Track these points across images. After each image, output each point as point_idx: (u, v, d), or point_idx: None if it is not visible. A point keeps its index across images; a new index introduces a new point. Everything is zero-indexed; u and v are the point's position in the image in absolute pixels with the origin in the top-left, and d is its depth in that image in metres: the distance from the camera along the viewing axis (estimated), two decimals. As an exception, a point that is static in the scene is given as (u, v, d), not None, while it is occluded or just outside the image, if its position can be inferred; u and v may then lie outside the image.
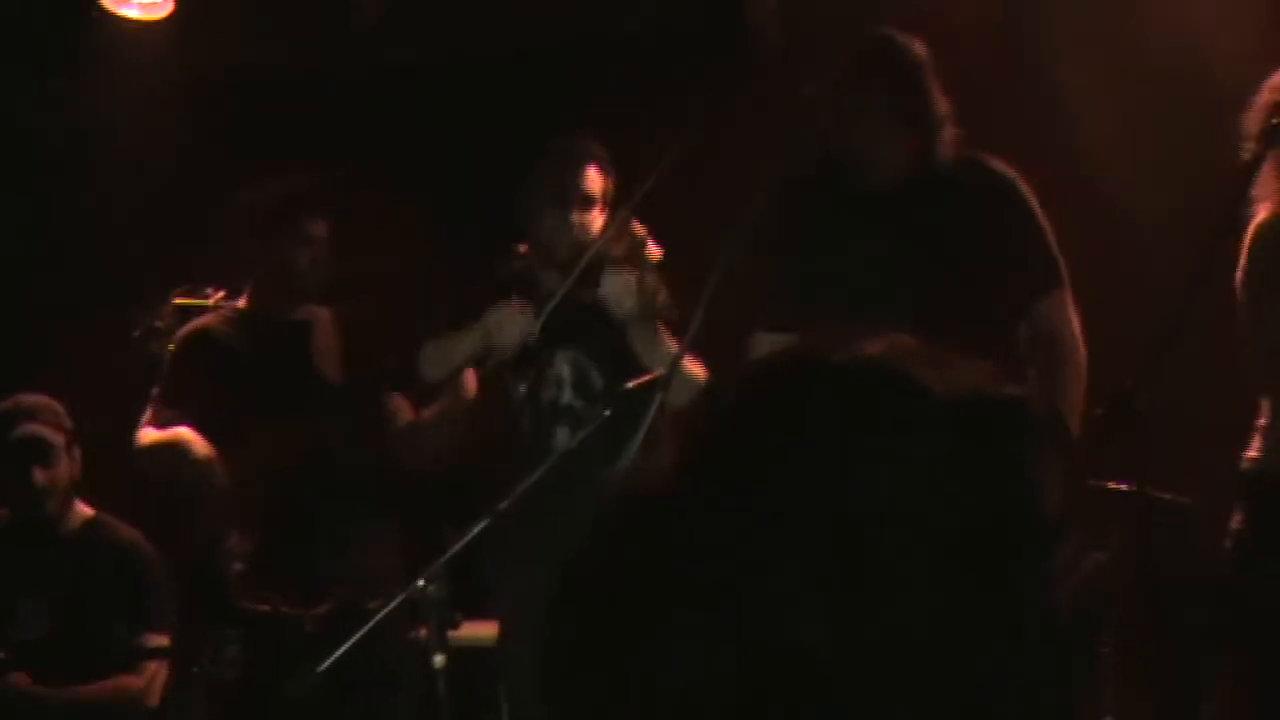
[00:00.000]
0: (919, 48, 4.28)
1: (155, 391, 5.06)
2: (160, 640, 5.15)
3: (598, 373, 4.76)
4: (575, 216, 4.72)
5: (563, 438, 4.67)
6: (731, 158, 5.15)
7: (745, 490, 1.12)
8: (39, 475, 5.11)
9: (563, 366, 4.78)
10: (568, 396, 4.77)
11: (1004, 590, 1.09)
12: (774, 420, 1.16)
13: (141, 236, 6.25)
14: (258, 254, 5.15)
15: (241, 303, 5.22)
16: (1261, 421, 4.07)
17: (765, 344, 4.41)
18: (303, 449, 4.95)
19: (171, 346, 5.13)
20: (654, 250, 4.53)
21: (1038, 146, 4.98)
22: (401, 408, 5.11)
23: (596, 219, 4.74)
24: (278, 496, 4.95)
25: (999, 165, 4.34)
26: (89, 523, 5.27)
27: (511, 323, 4.66)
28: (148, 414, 5.03)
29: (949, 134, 4.27)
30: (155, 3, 5.72)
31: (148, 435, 4.97)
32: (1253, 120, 4.05)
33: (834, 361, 1.16)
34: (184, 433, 4.91)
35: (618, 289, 4.59)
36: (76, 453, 5.24)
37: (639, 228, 4.56)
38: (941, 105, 4.26)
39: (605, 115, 5.69)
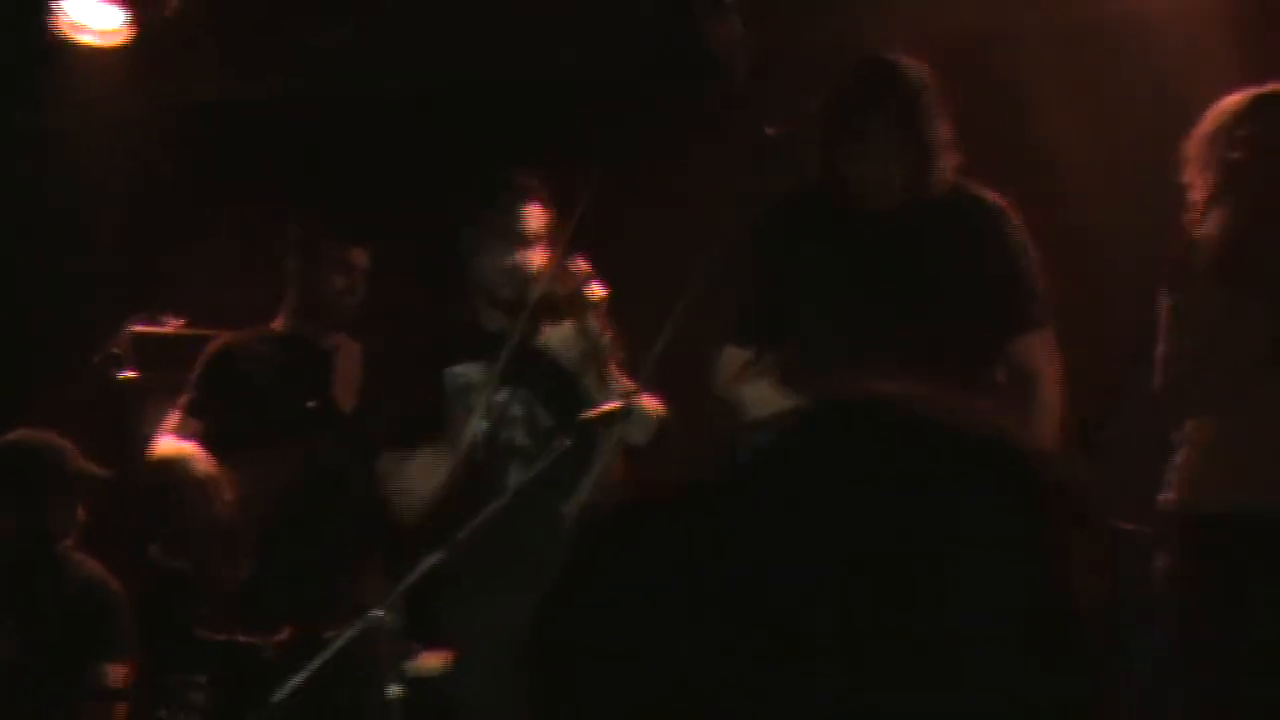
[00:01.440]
0: (924, 72, 4.24)
1: (181, 400, 5.09)
2: (122, 673, 5.10)
3: (545, 413, 4.73)
4: (517, 255, 4.69)
5: (515, 476, 4.64)
6: (695, 189, 5.16)
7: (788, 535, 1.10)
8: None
9: (515, 406, 4.76)
10: (520, 437, 4.75)
11: (1058, 671, 1.09)
12: (824, 467, 1.13)
13: (100, 265, 6.22)
14: (298, 276, 5.24)
15: (276, 324, 5.29)
16: (1179, 460, 4.07)
17: (734, 358, 4.38)
18: (299, 473, 4.97)
19: (202, 358, 5.22)
20: (597, 290, 4.50)
21: (1009, 174, 5.00)
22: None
23: (539, 256, 4.71)
24: (270, 520, 4.96)
25: (992, 197, 4.30)
26: (54, 558, 5.22)
27: (434, 471, 4.66)
28: (170, 422, 5.07)
29: (948, 160, 4.24)
30: (112, 30, 5.69)
31: (161, 445, 5.01)
32: (1196, 148, 4.05)
33: (894, 411, 1.16)
34: (190, 449, 4.95)
35: (559, 341, 4.61)
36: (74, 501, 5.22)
37: (582, 267, 4.54)
38: (943, 130, 4.23)
39: (562, 148, 5.71)
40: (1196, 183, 4.05)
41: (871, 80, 4.24)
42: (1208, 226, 4.06)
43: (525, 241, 4.70)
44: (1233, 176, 3.96)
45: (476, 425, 4.70)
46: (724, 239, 4.16)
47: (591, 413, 4.40)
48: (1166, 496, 4.09)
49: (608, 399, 4.47)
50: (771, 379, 4.25)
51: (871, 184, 4.23)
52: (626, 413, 4.30)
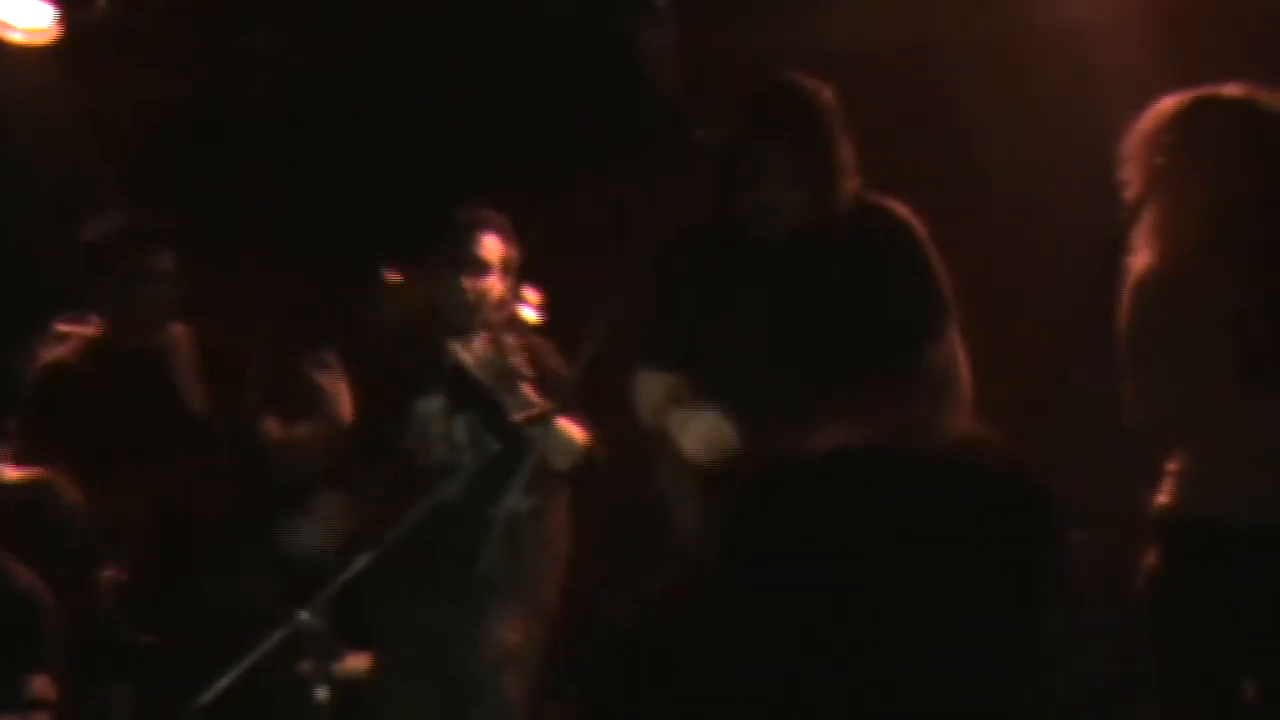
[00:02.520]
0: (825, 94, 4.15)
1: (15, 426, 5.00)
2: (46, 686, 5.04)
3: (489, 435, 4.75)
4: (466, 281, 4.77)
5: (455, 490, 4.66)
6: (622, 199, 5.16)
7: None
8: None
9: (460, 431, 4.80)
10: (467, 459, 4.78)
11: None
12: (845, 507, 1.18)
13: (30, 266, 6.16)
14: (98, 290, 5.14)
15: (92, 331, 5.20)
16: (1172, 466, 4.07)
17: (652, 383, 4.34)
18: (172, 482, 4.91)
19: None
20: (530, 315, 4.51)
21: (940, 183, 5.01)
22: (271, 425, 5.07)
23: (494, 285, 4.79)
24: (151, 529, 4.91)
25: (892, 207, 4.24)
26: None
27: (339, 514, 4.73)
28: (8, 450, 4.97)
29: (849, 184, 4.17)
30: (39, 29, 5.64)
31: (7, 474, 4.91)
32: (1132, 149, 4.05)
33: (910, 449, 1.20)
34: (45, 474, 4.88)
35: (473, 358, 4.64)
36: None
37: (523, 293, 4.57)
38: (845, 154, 4.15)
39: (493, 158, 5.71)
40: (1130, 182, 4.05)
41: (766, 108, 4.16)
42: (1143, 257, 4.05)
43: (476, 269, 4.78)
44: (1156, 181, 3.97)
45: (435, 453, 4.78)
46: (640, 258, 4.14)
47: (521, 415, 4.42)
48: (1158, 500, 4.09)
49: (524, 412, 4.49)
50: (695, 408, 4.19)
51: (768, 213, 4.15)
52: (556, 414, 4.30)
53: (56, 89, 6.04)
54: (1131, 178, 4.03)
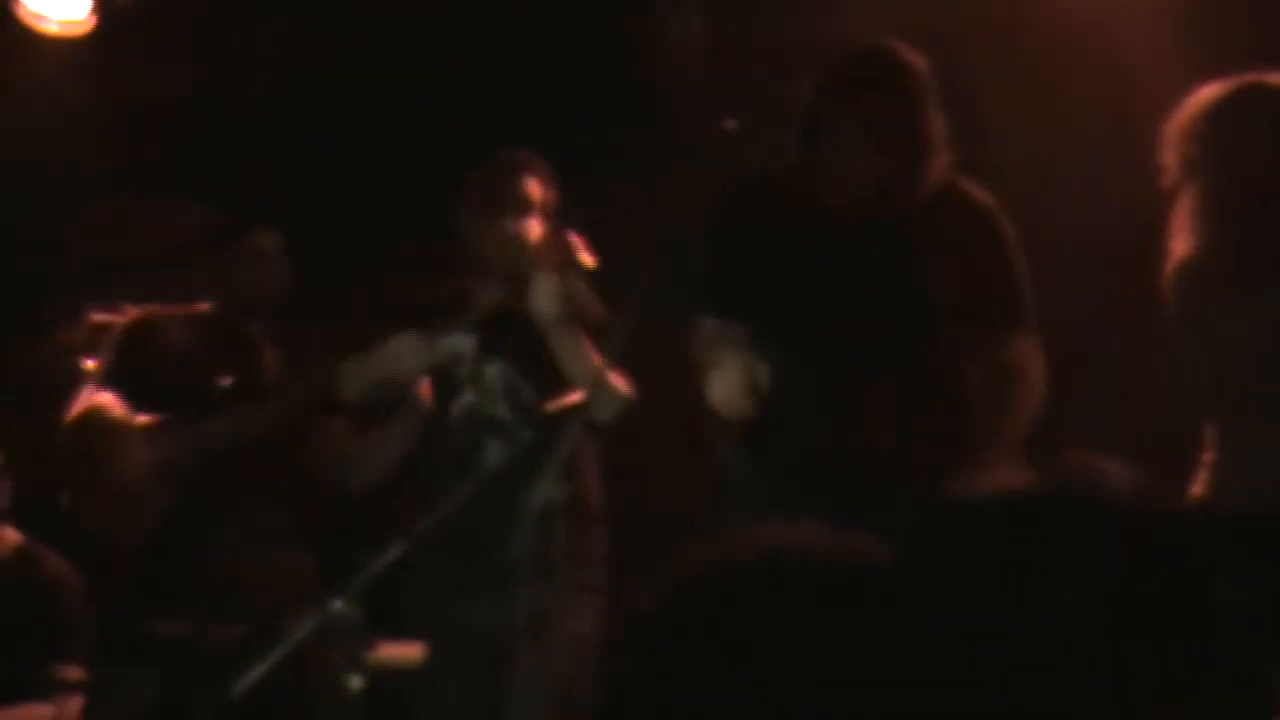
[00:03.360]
0: (918, 64, 3.97)
1: (96, 371, 5.05)
2: (72, 673, 5.08)
3: (528, 385, 4.69)
4: (510, 223, 4.65)
5: (494, 450, 4.62)
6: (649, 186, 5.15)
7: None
8: None
9: (494, 378, 4.73)
10: (501, 410, 4.72)
11: None
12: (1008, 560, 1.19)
13: (55, 256, 6.19)
14: (207, 269, 5.25)
15: (199, 307, 5.28)
16: (1206, 458, 4.06)
17: (712, 329, 4.11)
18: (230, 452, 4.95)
19: (118, 335, 5.18)
20: (586, 258, 4.47)
21: (967, 169, 5.00)
22: (339, 430, 5.09)
23: (534, 227, 4.67)
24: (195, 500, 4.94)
25: (981, 196, 4.09)
26: (18, 550, 5.19)
27: (409, 352, 4.64)
28: (85, 394, 5.04)
29: (940, 159, 3.98)
30: (75, 20, 5.66)
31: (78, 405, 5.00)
32: (1170, 136, 4.03)
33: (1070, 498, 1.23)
34: (106, 399, 4.93)
35: (542, 292, 4.52)
36: (6, 483, 5.17)
37: (573, 237, 4.50)
38: (936, 128, 3.96)
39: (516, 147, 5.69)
40: (1167, 169, 4.03)
41: (856, 68, 3.98)
42: (1180, 244, 4.03)
43: (521, 208, 4.67)
44: (1191, 168, 3.96)
45: (462, 397, 4.68)
46: (682, 227, 4.04)
47: (553, 405, 4.39)
48: (1194, 491, 4.08)
49: (576, 370, 4.44)
50: (729, 356, 3.98)
51: (841, 180, 3.98)
52: (587, 407, 4.27)
53: (78, 79, 6.07)
54: (1168, 164, 4.01)
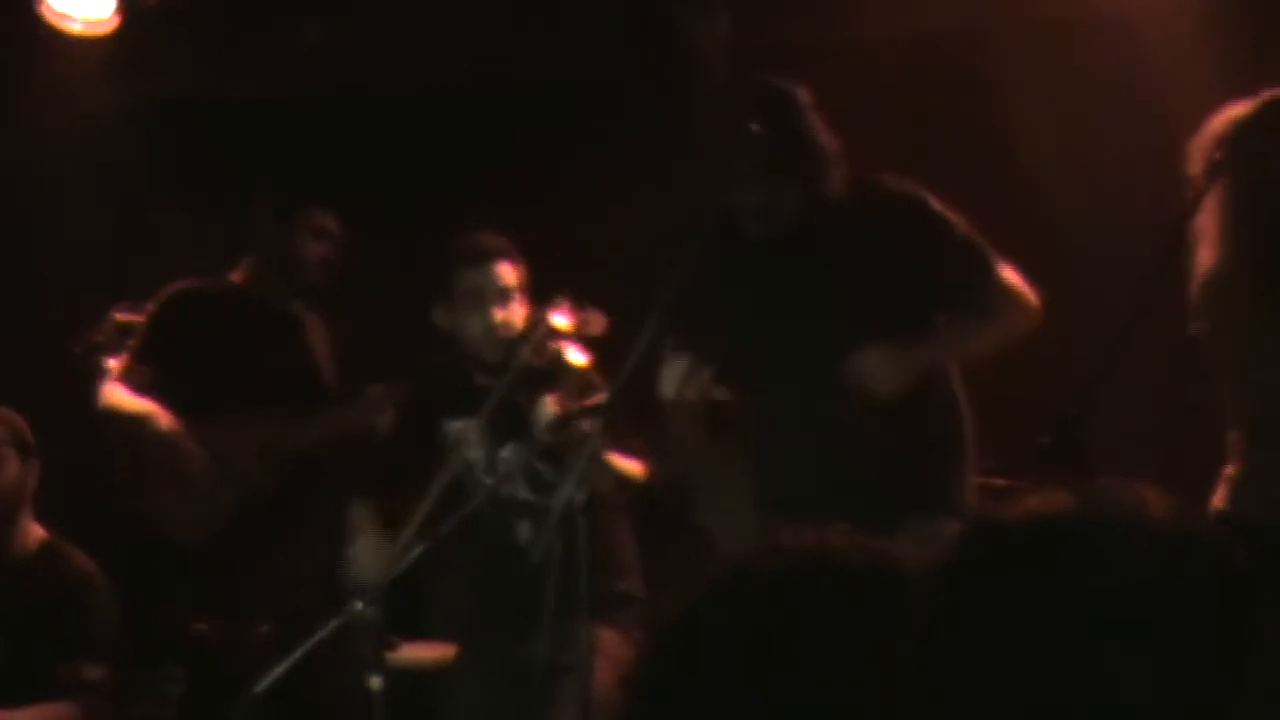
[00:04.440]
0: (796, 91, 4.18)
1: (131, 344, 5.06)
2: (97, 672, 5.06)
3: (545, 467, 4.71)
4: (496, 314, 4.72)
5: (524, 532, 4.69)
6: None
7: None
8: None
9: (510, 462, 4.76)
10: (522, 491, 4.75)
11: None
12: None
13: (80, 255, 6.20)
14: (271, 239, 5.23)
15: (235, 278, 5.26)
16: (1228, 471, 4.07)
17: (673, 364, 4.22)
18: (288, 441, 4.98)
19: (151, 305, 5.18)
20: (575, 358, 4.47)
21: (987, 173, 4.99)
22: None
23: (517, 310, 4.73)
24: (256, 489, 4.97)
25: (897, 183, 4.26)
26: (44, 546, 5.17)
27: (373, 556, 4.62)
28: (119, 368, 5.04)
29: (837, 172, 4.19)
30: (100, 20, 5.67)
31: (115, 395, 4.98)
32: (1197, 147, 4.04)
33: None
34: (151, 407, 4.92)
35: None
36: (33, 468, 5.11)
37: (561, 326, 4.49)
38: (826, 143, 4.18)
39: (536, 151, 5.70)
40: (1193, 179, 4.04)
41: (735, 112, 4.16)
42: (1204, 255, 4.04)
43: (502, 299, 4.73)
44: (1214, 179, 3.96)
45: (481, 481, 4.71)
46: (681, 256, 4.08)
47: (575, 407, 4.39)
48: (1215, 502, 4.08)
49: (601, 475, 4.43)
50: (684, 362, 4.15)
51: (757, 214, 4.20)
52: (609, 407, 4.26)
53: (109, 79, 6.08)
54: (1194, 175, 4.02)
